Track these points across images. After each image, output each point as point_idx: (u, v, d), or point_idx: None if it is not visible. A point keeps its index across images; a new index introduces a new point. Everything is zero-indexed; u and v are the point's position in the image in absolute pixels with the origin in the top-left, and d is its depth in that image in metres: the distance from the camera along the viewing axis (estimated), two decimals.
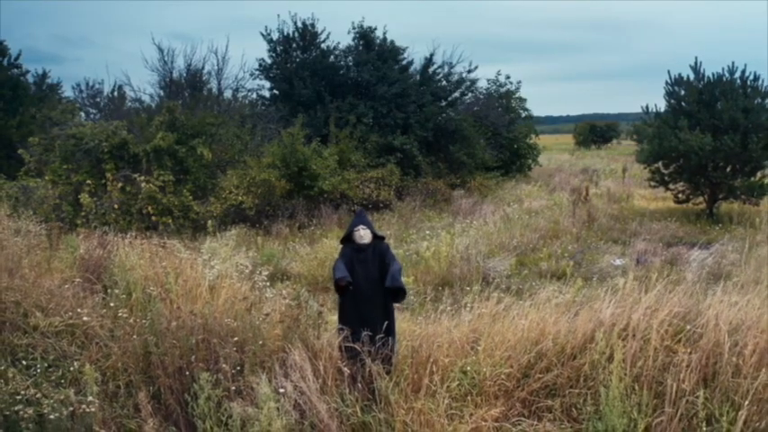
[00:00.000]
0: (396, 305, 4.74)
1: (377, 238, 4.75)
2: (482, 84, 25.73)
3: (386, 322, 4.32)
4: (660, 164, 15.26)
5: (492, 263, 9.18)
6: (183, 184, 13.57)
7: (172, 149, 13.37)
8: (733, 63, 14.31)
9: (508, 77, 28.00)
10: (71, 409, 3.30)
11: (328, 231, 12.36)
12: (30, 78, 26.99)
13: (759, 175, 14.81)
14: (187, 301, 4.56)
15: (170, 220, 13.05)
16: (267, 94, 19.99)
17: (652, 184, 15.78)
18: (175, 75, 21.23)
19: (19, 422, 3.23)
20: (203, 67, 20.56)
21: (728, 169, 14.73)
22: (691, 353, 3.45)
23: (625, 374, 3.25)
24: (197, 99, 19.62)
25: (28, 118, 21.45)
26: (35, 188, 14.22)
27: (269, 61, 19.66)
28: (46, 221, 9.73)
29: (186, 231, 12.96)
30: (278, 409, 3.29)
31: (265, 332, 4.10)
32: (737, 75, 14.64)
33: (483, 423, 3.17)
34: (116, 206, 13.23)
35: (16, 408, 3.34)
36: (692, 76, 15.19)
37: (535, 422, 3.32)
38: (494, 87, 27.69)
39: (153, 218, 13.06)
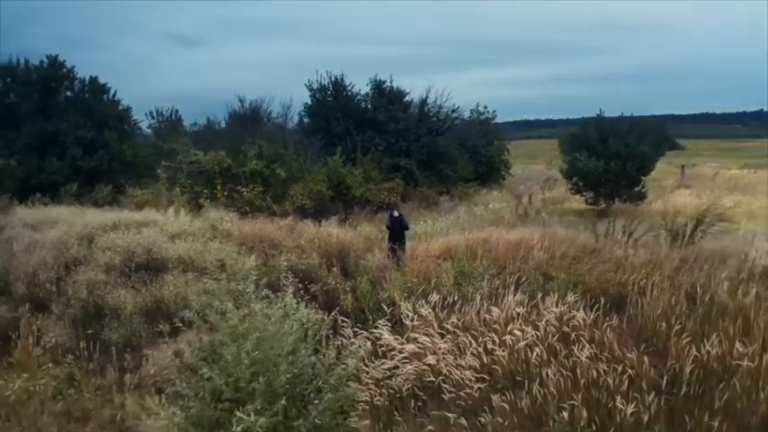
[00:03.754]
0: (407, 239, 12.45)
1: (400, 215, 12.43)
2: (466, 113, 33.70)
3: (404, 240, 11.90)
4: (576, 178, 22.93)
5: None
6: (267, 193, 21.12)
7: (261, 171, 20.96)
8: (623, 113, 22.04)
9: (486, 107, 36.02)
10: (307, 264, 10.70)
11: (361, 222, 19.91)
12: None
13: (640, 185, 22.46)
14: (332, 238, 12.03)
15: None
16: (309, 127, 27.74)
17: (572, 192, 23.43)
18: (241, 110, 29.15)
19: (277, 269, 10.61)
20: (261, 106, 28.40)
21: (621, 183, 22.40)
22: (487, 247, 11.02)
23: (468, 250, 10.75)
24: (258, 130, 27.35)
25: (132, 142, 29.14)
26: (169, 195, 21.78)
27: (310, 103, 27.42)
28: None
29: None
30: (372, 261, 10.78)
31: (363, 245, 11.66)
32: (626, 120, 22.36)
33: (431, 263, 10.61)
34: (224, 207, 20.80)
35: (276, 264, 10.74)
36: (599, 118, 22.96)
37: (444, 261, 10.79)
38: (475, 116, 35.60)
39: (249, 215, 20.61)
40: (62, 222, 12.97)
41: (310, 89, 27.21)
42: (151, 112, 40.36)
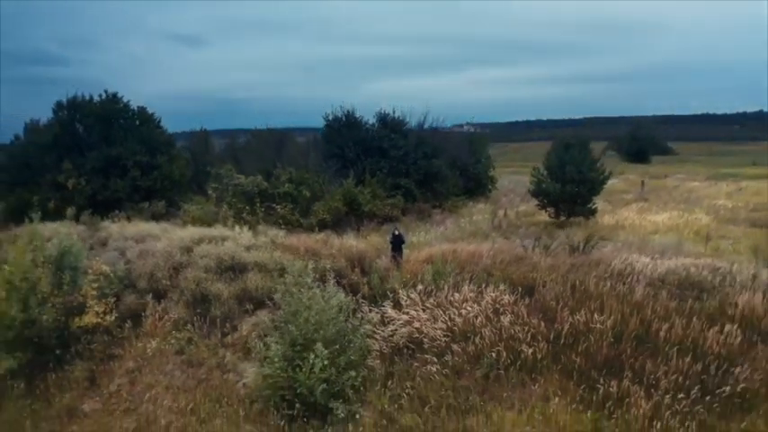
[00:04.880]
0: (404, 248, 17.57)
1: (400, 233, 17.58)
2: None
3: (401, 250, 16.98)
4: (541, 197, 28.08)
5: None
6: (295, 210, 26.31)
7: (291, 192, 26.17)
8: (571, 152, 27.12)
9: (477, 128, 41.16)
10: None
11: (370, 233, 25.10)
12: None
13: (591, 203, 27.60)
14: (352, 248, 17.13)
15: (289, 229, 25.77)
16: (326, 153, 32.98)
17: (538, 207, 28.59)
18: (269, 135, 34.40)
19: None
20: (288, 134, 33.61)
21: (577, 201, 27.55)
22: (455, 255, 16.07)
23: (442, 257, 15.78)
24: (284, 154, 32.58)
25: (177, 163, 34.29)
26: (217, 211, 26.95)
27: (327, 132, 32.64)
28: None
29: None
30: (381, 264, 15.83)
31: (374, 253, 16.73)
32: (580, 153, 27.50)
33: (418, 265, 15.62)
34: (261, 221, 25.99)
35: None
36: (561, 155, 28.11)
37: (427, 264, 15.85)
38: (466, 135, 40.78)
39: (282, 227, 25.78)
40: (164, 237, 18.17)
41: (327, 120, 32.50)
42: (186, 133, 46.07)
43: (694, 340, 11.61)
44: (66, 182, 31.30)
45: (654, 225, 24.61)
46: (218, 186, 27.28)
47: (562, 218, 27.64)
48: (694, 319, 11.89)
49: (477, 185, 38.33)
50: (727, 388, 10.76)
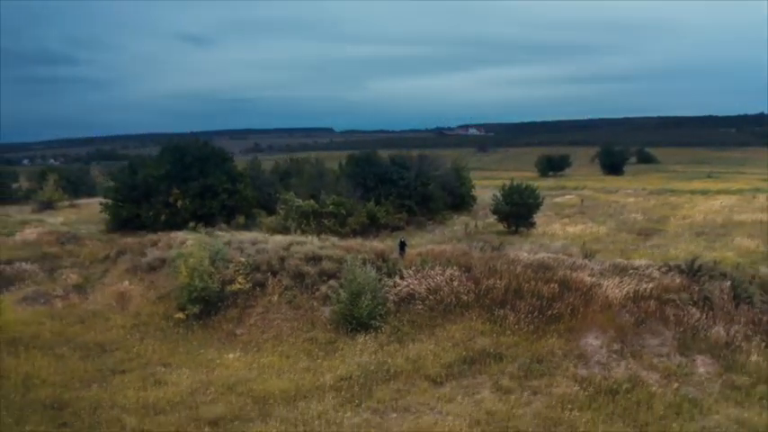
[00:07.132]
0: (406, 248, 30.22)
1: (404, 240, 30.19)
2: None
3: (405, 250, 29.53)
4: (498, 213, 40.58)
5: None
6: (336, 222, 38.95)
7: (333, 211, 38.86)
8: (512, 180, 39.79)
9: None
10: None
11: (385, 238, 37.72)
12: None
13: (531, 218, 40.10)
14: (377, 247, 29.56)
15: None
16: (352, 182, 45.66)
17: (497, 221, 41.09)
18: (312, 168, 47.13)
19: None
20: (324, 166, 46.36)
21: (522, 217, 40.03)
22: (432, 252, 28.56)
23: (426, 254, 28.38)
24: (324, 182, 45.36)
25: (246, 187, 47.07)
26: (285, 223, 39.64)
27: (352, 168, 45.34)
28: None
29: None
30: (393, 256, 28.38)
31: (389, 250, 29.29)
32: (524, 184, 40.08)
33: (414, 257, 28.11)
34: (314, 231, 38.71)
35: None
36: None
37: (418, 257, 28.39)
38: (454, 165, 53.40)
39: (330, 234, 38.43)
40: (269, 242, 30.98)
41: (353, 160, 45.25)
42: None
43: (538, 291, 23.85)
44: (176, 202, 44.32)
45: (566, 234, 37.05)
46: (285, 207, 40.04)
47: (513, 228, 40.11)
48: (539, 282, 24.45)
49: (461, 202, 50.81)
50: (550, 312, 22.97)
